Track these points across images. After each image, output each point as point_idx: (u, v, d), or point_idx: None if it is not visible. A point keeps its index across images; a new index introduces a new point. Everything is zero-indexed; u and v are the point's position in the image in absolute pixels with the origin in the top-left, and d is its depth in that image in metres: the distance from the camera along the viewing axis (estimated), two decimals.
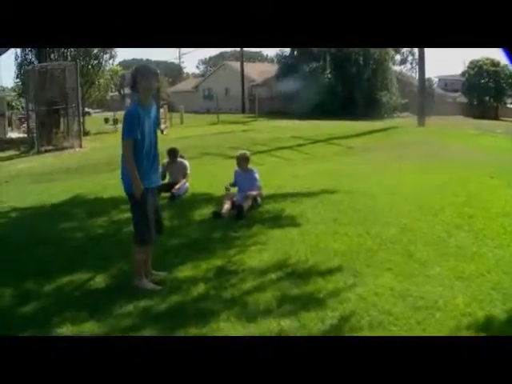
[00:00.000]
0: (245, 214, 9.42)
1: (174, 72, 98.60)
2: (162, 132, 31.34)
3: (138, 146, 6.17)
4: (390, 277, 6.41)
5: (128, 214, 10.02)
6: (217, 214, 9.44)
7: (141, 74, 6.23)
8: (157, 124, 6.85)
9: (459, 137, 24.64)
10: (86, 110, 64.34)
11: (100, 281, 6.77)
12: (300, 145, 22.40)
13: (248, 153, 10.94)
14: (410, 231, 8.26)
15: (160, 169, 12.03)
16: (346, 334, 4.99)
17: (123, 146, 6.16)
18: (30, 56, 39.85)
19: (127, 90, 66.06)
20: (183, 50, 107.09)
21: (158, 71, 6.59)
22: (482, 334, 4.89)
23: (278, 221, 9.09)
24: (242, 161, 10.54)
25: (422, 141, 22.62)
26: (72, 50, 38.30)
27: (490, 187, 11.64)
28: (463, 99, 64.38)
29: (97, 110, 67.37)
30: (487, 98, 61.35)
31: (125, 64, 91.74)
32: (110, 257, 7.71)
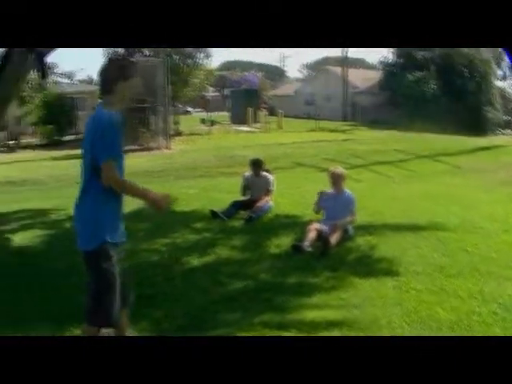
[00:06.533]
0: (332, 249, 7.79)
1: (277, 75, 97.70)
2: None
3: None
4: None
5: (196, 239, 8.84)
6: (297, 248, 7.81)
7: (130, 68, 4.54)
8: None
9: None
10: (188, 109, 64.79)
11: None
12: (402, 160, 20.78)
13: (343, 170, 9.17)
14: None
15: (241, 182, 10.87)
16: None
17: (107, 169, 4.21)
18: (121, 50, 39.33)
19: (227, 91, 65.98)
20: (286, 53, 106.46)
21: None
22: None
23: (370, 264, 7.42)
24: (337, 179, 8.79)
25: None
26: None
27: None
28: None
29: (198, 110, 67.29)
30: None
31: (228, 65, 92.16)
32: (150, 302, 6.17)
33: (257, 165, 10.59)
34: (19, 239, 9.35)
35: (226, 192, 12.30)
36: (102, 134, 4.22)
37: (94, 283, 4.34)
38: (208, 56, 43.42)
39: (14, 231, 10.04)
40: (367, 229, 8.94)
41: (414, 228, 9.08)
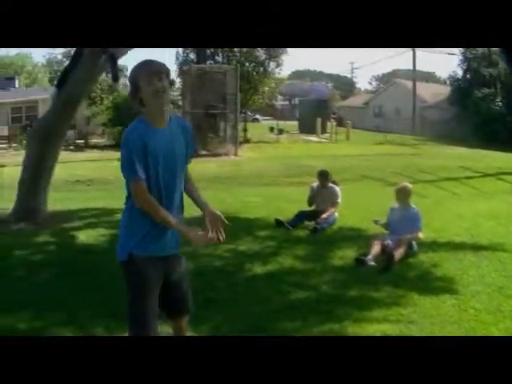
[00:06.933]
0: (395, 265, 7.86)
1: (346, 86, 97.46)
2: None
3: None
4: None
5: (260, 247, 9.02)
6: (360, 261, 7.91)
7: (139, 75, 3.90)
8: (188, 154, 4.21)
9: None
10: (256, 116, 65.12)
11: None
12: (468, 177, 20.59)
13: (410, 186, 9.20)
14: None
15: (308, 192, 10.99)
16: None
17: (132, 191, 3.93)
18: (192, 56, 39.73)
19: (297, 101, 66.12)
20: (356, 64, 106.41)
21: (165, 66, 3.99)
22: None
23: (431, 281, 7.42)
24: (404, 194, 8.86)
25: None
26: (238, 54, 37.95)
27: None
28: None
29: (266, 118, 67.58)
30: None
31: (298, 74, 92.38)
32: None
33: (324, 176, 10.72)
34: (85, 237, 9.69)
35: (293, 201, 12.40)
36: (121, 153, 3.92)
37: (127, 292, 4.19)
38: (279, 65, 43.72)
39: (80, 229, 10.42)
40: (430, 245, 8.94)
41: (476, 247, 9.03)
